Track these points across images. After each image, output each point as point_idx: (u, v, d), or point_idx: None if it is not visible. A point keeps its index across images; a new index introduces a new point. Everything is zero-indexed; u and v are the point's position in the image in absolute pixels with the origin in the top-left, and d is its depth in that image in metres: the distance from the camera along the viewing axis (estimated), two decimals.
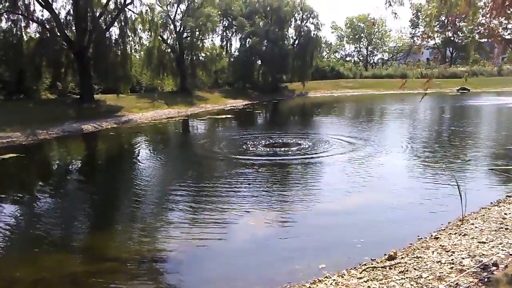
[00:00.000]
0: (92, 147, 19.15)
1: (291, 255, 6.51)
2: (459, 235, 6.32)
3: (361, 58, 75.81)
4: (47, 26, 26.08)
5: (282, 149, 14.95)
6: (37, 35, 26.90)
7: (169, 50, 37.33)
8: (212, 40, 43.05)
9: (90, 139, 20.38)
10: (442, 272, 4.96)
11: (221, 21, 44.38)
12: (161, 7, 35.98)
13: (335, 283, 5.12)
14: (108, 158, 16.83)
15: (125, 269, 6.35)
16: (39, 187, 11.50)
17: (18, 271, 6.29)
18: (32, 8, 25.33)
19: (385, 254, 5.97)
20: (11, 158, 14.70)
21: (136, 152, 16.52)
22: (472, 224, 6.78)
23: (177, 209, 8.92)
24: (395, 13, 7.47)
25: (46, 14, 25.82)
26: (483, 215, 7.32)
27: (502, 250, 5.41)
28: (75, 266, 6.44)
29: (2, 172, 13.57)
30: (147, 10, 28.93)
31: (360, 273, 5.35)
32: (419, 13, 67.13)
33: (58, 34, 26.12)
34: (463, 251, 5.59)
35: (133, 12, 28.32)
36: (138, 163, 14.36)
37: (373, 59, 77.55)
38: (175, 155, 15.59)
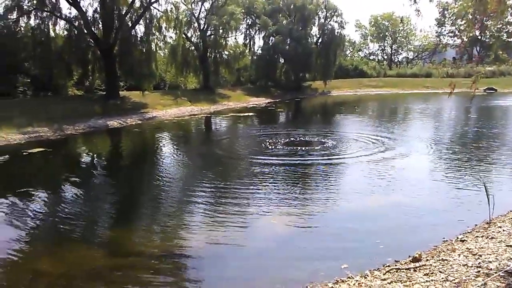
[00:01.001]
0: (117, 142, 19.46)
1: (313, 255, 6.49)
2: (486, 238, 6.19)
3: (385, 57, 74.79)
4: (75, 24, 26.56)
5: (304, 148, 14.88)
6: (65, 32, 27.40)
7: (192, 48, 37.60)
8: (235, 38, 43.18)
9: (115, 135, 20.75)
10: (468, 276, 4.87)
11: (245, 19, 44.47)
12: (185, 5, 36.22)
13: (358, 284, 5.09)
14: (132, 154, 17.09)
15: (148, 264, 6.42)
16: (64, 181, 11.71)
17: (43, 264, 6.44)
18: (59, 6, 25.91)
19: (409, 256, 5.89)
20: (38, 152, 15.08)
21: (160, 148, 16.78)
22: (500, 227, 6.64)
23: (199, 207, 8.98)
24: (418, 11, 7.31)
25: (74, 11, 26.27)
26: (511, 218, 7.15)
27: None
28: (99, 261, 6.55)
29: (29, 166, 13.90)
30: (172, 8, 29.14)
31: (384, 274, 5.30)
32: (445, 11, 65.97)
33: (85, 31, 26.56)
34: (490, 254, 5.48)
35: (158, 10, 28.60)
36: (162, 160, 14.58)
37: (398, 58, 76.40)
38: (197, 153, 15.70)
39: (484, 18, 6.80)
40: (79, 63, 27.59)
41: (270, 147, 15.09)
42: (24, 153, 14.84)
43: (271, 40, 44.78)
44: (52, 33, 26.51)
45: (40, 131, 18.50)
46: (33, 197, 9.92)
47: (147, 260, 6.57)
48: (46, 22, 25.57)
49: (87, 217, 8.80)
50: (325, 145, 15.25)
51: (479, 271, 4.97)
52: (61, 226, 8.07)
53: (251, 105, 34.66)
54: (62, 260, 6.60)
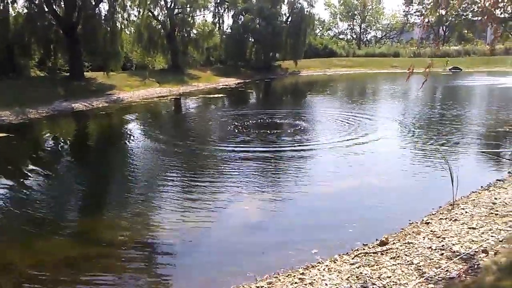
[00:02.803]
0: (83, 126, 18.96)
1: (284, 239, 6.57)
2: (450, 220, 6.40)
3: (354, 36, 75.28)
4: (35, 1, 25.49)
5: (273, 131, 14.91)
6: (25, 10, 26.26)
7: (159, 26, 36.75)
8: (204, 16, 42.58)
9: (81, 118, 20.18)
10: (432, 259, 5.03)
11: None
12: None
13: (328, 268, 5.19)
14: (98, 138, 16.74)
15: (119, 253, 6.35)
16: (30, 169, 11.34)
17: (12, 255, 6.30)
18: None
19: (377, 239, 6.04)
20: (1, 138, 14.53)
21: (127, 133, 16.41)
22: (463, 209, 6.87)
23: (169, 192, 8.93)
24: None
25: None
26: (474, 199, 7.40)
27: (491, 236, 5.49)
28: (69, 250, 6.43)
29: None
30: None
31: (352, 258, 5.42)
32: None
33: (46, 9, 25.53)
34: (453, 237, 5.66)
35: None
36: (129, 145, 14.28)
37: (366, 37, 77.07)
38: (166, 136, 15.47)
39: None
40: (41, 43, 26.62)
41: (239, 130, 15.05)
42: None
43: (241, 18, 44.21)
44: (11, 12, 25.39)
45: (2, 115, 17.82)
46: None
47: (118, 249, 6.50)
48: (5, 1, 24.37)
49: (55, 205, 8.60)
50: (295, 128, 15.33)
51: (442, 254, 5.14)
52: (29, 215, 7.82)
53: (221, 86, 34.37)
54: (31, 251, 6.45)
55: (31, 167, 11.59)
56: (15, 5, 25.63)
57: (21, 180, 10.23)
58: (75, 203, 8.98)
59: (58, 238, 6.96)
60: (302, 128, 15.34)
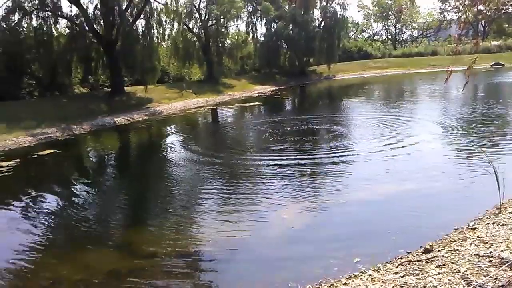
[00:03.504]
0: (125, 140, 19.61)
1: (326, 248, 6.56)
2: (497, 225, 6.19)
3: (390, 37, 73.88)
4: (76, 22, 26.65)
5: (310, 137, 14.88)
6: (67, 31, 27.49)
7: (194, 38, 37.46)
8: (237, 26, 43.05)
9: (123, 132, 20.87)
10: (480, 266, 4.90)
11: (246, 7, 44.06)
12: None
13: (371, 278, 5.13)
14: (140, 151, 17.26)
15: (163, 265, 6.53)
16: (76, 184, 11.86)
17: (61, 270, 6.56)
18: (60, 5, 25.92)
19: (421, 247, 5.92)
20: (48, 154, 15.23)
21: (168, 145, 16.78)
22: (511, 212, 6.63)
23: (209, 203, 9.10)
24: None
25: (75, 9, 26.38)
26: None
27: None
28: (115, 264, 6.67)
29: (41, 169, 14.06)
30: (172, 0, 29.03)
31: (396, 267, 5.33)
32: None
33: (87, 29, 26.64)
34: (501, 242, 5.49)
35: (158, 2, 28.57)
36: (170, 156, 14.61)
37: (402, 37, 75.40)
38: (204, 147, 15.74)
39: None
40: (83, 61, 27.71)
41: (275, 138, 15.12)
42: (34, 156, 15.00)
43: (273, 26, 44.39)
44: (54, 32, 26.63)
45: (49, 132, 18.67)
46: (45, 202, 10.08)
47: (162, 260, 6.69)
48: (48, 22, 25.71)
49: (101, 219, 8.94)
50: (333, 133, 15.25)
51: (491, 261, 5.00)
52: (76, 230, 8.19)
53: (256, 94, 34.58)
54: (79, 264, 6.71)
55: (77, 181, 12.14)
56: (57, 25, 26.87)
57: (68, 194, 10.74)
58: (119, 216, 9.28)
59: (105, 250, 7.24)
60: (339, 133, 15.24)
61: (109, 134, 20.62)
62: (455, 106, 21.40)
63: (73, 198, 10.29)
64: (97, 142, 18.89)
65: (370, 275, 5.25)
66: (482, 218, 6.80)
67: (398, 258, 5.69)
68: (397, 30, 73.89)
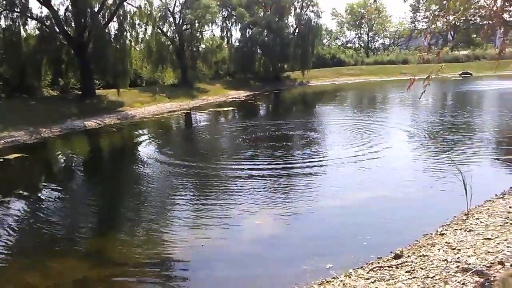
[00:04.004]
0: (95, 144, 19.20)
1: (297, 254, 6.56)
2: (465, 231, 6.34)
3: (362, 44, 75.28)
4: (46, 23, 26.05)
5: (283, 143, 14.95)
6: (37, 32, 26.82)
7: (168, 42, 37.20)
8: (212, 31, 43.04)
9: (93, 136, 20.44)
10: (448, 272, 4.99)
11: (221, 12, 44.14)
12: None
13: (343, 284, 5.17)
14: (111, 156, 16.94)
15: (133, 272, 6.41)
16: (44, 189, 11.59)
17: (29, 277, 6.37)
18: (29, 6, 25.32)
19: (391, 252, 6.00)
20: (15, 158, 14.78)
21: (139, 149, 16.48)
22: (477, 218, 6.80)
23: (181, 209, 8.98)
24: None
25: (45, 11, 25.75)
26: (488, 208, 7.33)
27: (507, 247, 5.43)
28: (85, 271, 6.49)
29: (7, 173, 13.65)
30: (145, 3, 28.74)
31: (367, 273, 5.39)
32: None
33: (58, 30, 26.08)
34: (468, 248, 5.62)
35: (132, 5, 28.23)
36: (141, 162, 14.33)
37: (374, 45, 77.03)
38: (176, 152, 15.59)
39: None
40: (53, 63, 27.08)
41: (249, 144, 15.14)
42: (0, 160, 14.51)
43: (248, 32, 44.62)
44: (23, 34, 25.99)
45: (16, 136, 18.12)
46: (12, 207, 9.74)
47: (132, 267, 6.55)
48: (17, 23, 24.99)
49: (70, 225, 8.71)
50: (306, 139, 15.37)
51: (458, 266, 5.10)
52: (44, 237, 7.96)
53: (231, 99, 34.56)
54: (47, 273, 6.53)
55: (44, 186, 11.83)
56: (26, 27, 26.20)
57: (35, 199, 10.46)
58: (88, 222, 9.04)
59: (73, 258, 7.03)
60: (312, 139, 15.37)
61: (79, 137, 20.17)
62: (424, 114, 21.89)
63: (41, 204, 10.00)
64: (67, 146, 18.45)
65: (342, 281, 5.29)
66: (450, 224, 6.95)
67: (369, 264, 5.75)
68: (369, 38, 75.48)
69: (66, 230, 8.44)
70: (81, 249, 7.49)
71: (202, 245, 7.07)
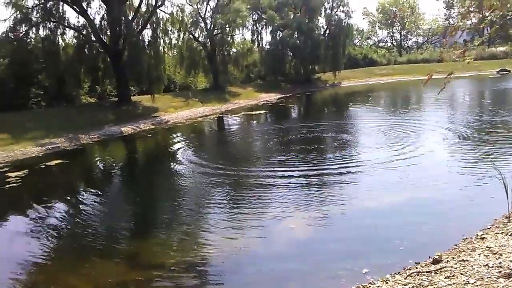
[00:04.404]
0: (132, 149, 19.69)
1: (333, 259, 6.54)
2: (506, 235, 6.15)
3: (395, 43, 73.90)
4: (83, 32, 26.95)
5: (315, 145, 14.90)
6: (74, 41, 27.77)
7: (200, 47, 37.72)
8: (242, 35, 43.41)
9: (129, 142, 20.98)
10: (490, 277, 4.86)
11: (251, 15, 44.39)
12: (191, 5, 36.49)
13: None
14: (146, 160, 17.32)
15: (170, 276, 6.54)
16: (83, 193, 12.01)
17: (70, 281, 6.60)
18: (67, 16, 26.28)
19: (429, 257, 5.88)
20: (56, 164, 15.34)
21: (174, 154, 16.75)
22: None
23: (217, 213, 9.10)
24: None
25: (82, 20, 26.68)
26: None
27: None
28: (124, 275, 6.69)
29: (49, 179, 14.16)
30: (177, 10, 29.38)
31: (405, 278, 5.30)
32: None
33: (94, 39, 26.94)
34: (510, 253, 5.44)
35: (164, 12, 28.89)
36: (175, 165, 14.57)
37: (407, 44, 75.41)
38: (210, 156, 15.79)
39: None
40: (90, 71, 27.98)
41: (281, 147, 15.17)
42: (42, 166, 15.11)
43: (279, 34, 44.67)
44: (61, 43, 26.96)
45: (57, 142, 18.78)
46: (53, 213, 10.12)
47: (169, 271, 6.68)
48: (55, 33, 26.01)
49: (108, 230, 8.96)
50: (339, 142, 15.26)
51: (500, 272, 4.96)
52: (84, 241, 8.21)
53: (262, 102, 34.67)
54: (88, 276, 6.73)
55: (83, 191, 12.26)
56: (65, 36, 27.18)
57: (75, 204, 10.82)
58: (126, 226, 9.30)
59: (111, 260, 7.25)
60: (345, 141, 15.26)
61: (116, 143, 20.73)
62: (461, 113, 21.28)
63: (81, 208, 10.33)
64: (104, 151, 19.00)
65: (378, 286, 5.23)
66: (491, 228, 6.75)
67: (407, 269, 5.66)
68: (402, 37, 73.93)
69: (105, 233, 8.70)
70: (119, 252, 7.69)
71: (237, 248, 7.14)
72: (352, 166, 11.82)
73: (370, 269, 5.85)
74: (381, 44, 73.12)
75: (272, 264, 6.71)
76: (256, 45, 46.56)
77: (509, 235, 6.11)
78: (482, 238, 6.28)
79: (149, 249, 7.72)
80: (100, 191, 12.20)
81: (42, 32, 25.93)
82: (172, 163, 15.11)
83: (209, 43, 37.75)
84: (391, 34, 74.50)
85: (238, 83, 41.29)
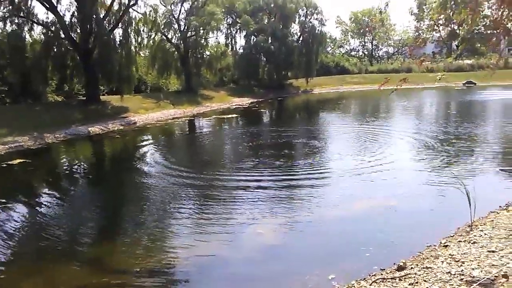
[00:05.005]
0: (99, 150, 19.24)
1: (299, 265, 6.53)
2: (468, 243, 6.30)
3: (366, 53, 75.34)
4: (52, 29, 26.16)
5: (286, 151, 14.94)
6: (42, 37, 26.94)
7: (173, 49, 37.27)
8: (216, 38, 43.13)
9: (97, 142, 20.46)
10: (452, 284, 4.95)
11: (225, 19, 44.29)
12: (165, 6, 36.07)
13: None
14: (113, 162, 16.95)
15: (134, 280, 6.39)
16: (46, 194, 11.58)
17: (27, 283, 6.37)
18: (35, 11, 25.50)
19: (394, 264, 5.96)
20: (19, 163, 14.79)
21: (142, 156, 16.41)
22: (481, 230, 6.76)
23: (184, 217, 8.95)
24: (387, 4, 7.47)
25: (51, 16, 25.87)
26: (492, 220, 7.28)
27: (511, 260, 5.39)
28: (85, 278, 6.47)
29: (10, 179, 13.64)
30: (150, 10, 28.95)
31: (370, 285, 5.35)
32: (423, 7, 66.52)
33: (63, 36, 26.21)
34: (472, 261, 5.57)
35: (137, 12, 28.42)
36: (143, 168, 14.21)
37: (378, 53, 77.05)
38: (179, 159, 15.59)
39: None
40: (58, 69, 27.10)
41: (252, 152, 15.13)
42: (3, 165, 14.52)
43: (253, 39, 44.75)
44: (28, 39, 26.13)
45: (20, 141, 18.11)
46: (12, 213, 9.71)
47: (133, 276, 6.53)
48: (22, 28, 25.17)
49: (70, 232, 8.66)
50: (308, 148, 15.35)
51: (462, 279, 5.06)
52: (44, 243, 7.91)
53: (234, 106, 34.60)
54: (48, 279, 6.51)
55: (46, 192, 11.84)
56: (32, 32, 26.36)
57: (36, 205, 10.44)
58: (90, 229, 9.01)
59: (74, 265, 6.98)
60: (315, 147, 15.36)
61: (82, 143, 20.18)
62: (427, 123, 21.78)
63: (43, 210, 9.97)
64: (70, 151, 18.47)
65: None
66: (454, 236, 6.91)
67: (372, 275, 5.71)
68: (373, 47, 75.49)
69: (68, 236, 8.41)
70: (81, 256, 7.44)
71: (204, 253, 7.04)
72: (321, 173, 11.89)
73: (337, 275, 5.87)
74: (353, 53, 74.38)
75: (239, 268, 6.67)
76: (230, 49, 46.49)
77: (471, 243, 6.25)
78: (445, 246, 6.41)
79: (113, 253, 7.51)
80: (63, 192, 11.83)
81: (8, 27, 25.13)
82: (139, 166, 14.80)
83: (182, 45, 37.37)
84: (363, 43, 75.96)
85: (211, 87, 41.01)
